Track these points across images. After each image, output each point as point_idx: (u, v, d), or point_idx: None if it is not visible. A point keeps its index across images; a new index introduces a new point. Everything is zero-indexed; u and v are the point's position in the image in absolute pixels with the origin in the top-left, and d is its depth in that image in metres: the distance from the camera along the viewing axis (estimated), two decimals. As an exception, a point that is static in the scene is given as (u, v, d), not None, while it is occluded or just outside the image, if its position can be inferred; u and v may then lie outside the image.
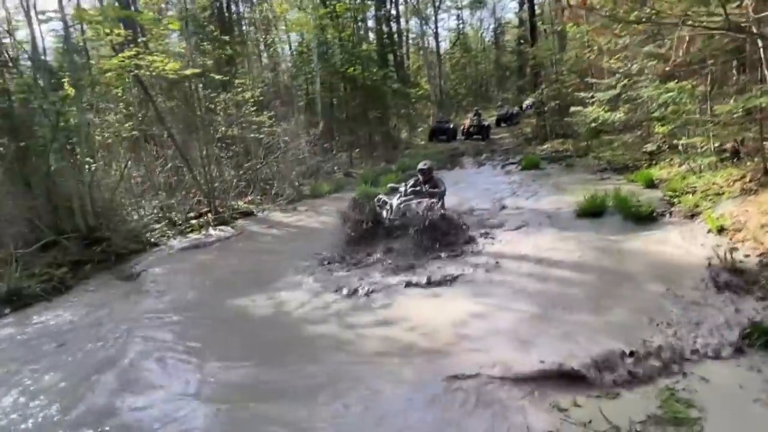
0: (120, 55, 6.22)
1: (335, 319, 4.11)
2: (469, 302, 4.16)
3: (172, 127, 9.53)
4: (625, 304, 3.89)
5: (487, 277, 4.73)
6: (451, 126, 22.53)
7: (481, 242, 5.86)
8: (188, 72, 7.15)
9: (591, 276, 4.48)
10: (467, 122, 22.21)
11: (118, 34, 6.95)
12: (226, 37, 11.74)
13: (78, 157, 7.06)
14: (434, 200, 6.45)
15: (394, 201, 6.54)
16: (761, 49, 3.97)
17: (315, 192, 10.97)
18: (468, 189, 10.40)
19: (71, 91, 6.51)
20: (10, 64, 6.71)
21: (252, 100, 11.00)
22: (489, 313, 3.91)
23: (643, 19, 3.25)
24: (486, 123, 22.30)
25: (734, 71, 7.14)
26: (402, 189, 6.84)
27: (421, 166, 7.10)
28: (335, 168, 13.91)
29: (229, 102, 10.56)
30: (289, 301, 4.65)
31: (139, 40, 7.51)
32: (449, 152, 17.96)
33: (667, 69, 6.07)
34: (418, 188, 6.76)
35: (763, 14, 3.81)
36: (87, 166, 7.46)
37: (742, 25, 4.26)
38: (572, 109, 10.84)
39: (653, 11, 3.74)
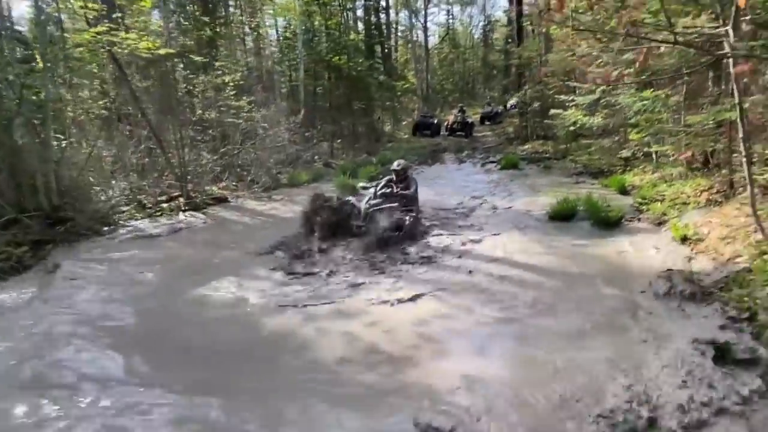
0: (92, 29, 6.06)
1: (293, 319, 4.08)
2: (432, 303, 4.19)
3: (147, 107, 9.35)
4: (583, 309, 3.97)
5: (454, 277, 4.77)
6: (436, 121, 22.58)
7: (451, 242, 5.88)
8: (162, 51, 7.00)
9: (554, 281, 4.55)
10: (451, 118, 22.29)
11: (92, 8, 6.77)
12: (206, 18, 11.53)
13: (44, 133, 6.88)
14: (405, 217, 6.18)
15: (362, 204, 6.36)
16: (731, 65, 4.07)
17: (292, 181, 10.87)
18: (446, 185, 10.47)
19: (41, 64, 6.33)
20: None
21: (232, 84, 10.85)
22: (452, 314, 3.95)
23: (614, 32, 3.31)
24: (470, 120, 22.40)
25: (710, 83, 7.30)
26: (372, 190, 6.68)
27: (394, 166, 6.99)
28: (315, 157, 13.81)
29: (207, 85, 10.40)
30: (238, 302, 4.54)
31: (114, 15, 7.33)
32: (431, 147, 18.04)
33: (643, 77, 6.17)
34: (389, 190, 6.62)
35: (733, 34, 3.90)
36: (56, 143, 7.29)
37: (715, 40, 4.37)
38: (552, 111, 10.96)
39: (628, 21, 3.80)
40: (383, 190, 6.67)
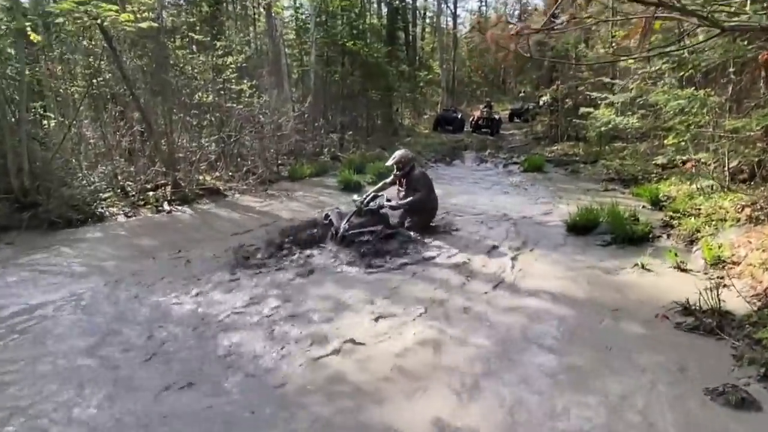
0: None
1: (252, 337, 3.82)
2: (419, 327, 3.88)
3: (140, 87, 9.25)
4: (592, 345, 3.62)
5: (448, 298, 4.45)
6: (459, 116, 22.33)
7: (449, 255, 5.55)
8: (144, 25, 6.83)
9: (563, 308, 4.19)
10: (477, 114, 22.00)
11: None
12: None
13: (19, 109, 6.78)
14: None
15: (342, 223, 5.78)
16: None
17: (294, 174, 10.78)
18: (461, 186, 10.24)
19: (12, 37, 6.22)
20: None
21: (234, 65, 10.69)
22: (440, 343, 3.63)
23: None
24: (497, 116, 22.08)
25: (762, 83, 6.81)
26: (358, 200, 6.13)
27: (390, 161, 6.43)
28: (323, 149, 13.67)
29: (207, 65, 10.26)
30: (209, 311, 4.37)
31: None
32: (452, 144, 17.82)
33: (682, 74, 5.73)
34: (377, 203, 6.05)
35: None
36: (34, 120, 7.22)
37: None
38: (583, 109, 10.55)
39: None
40: (370, 204, 6.06)
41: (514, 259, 5.46)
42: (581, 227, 6.31)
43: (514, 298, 4.45)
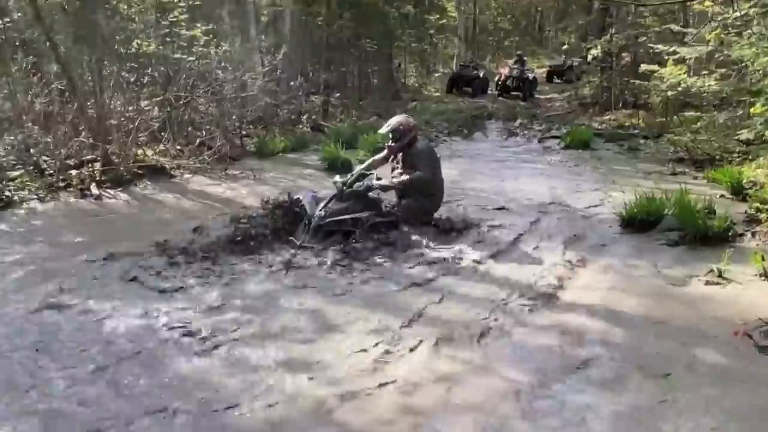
0: None
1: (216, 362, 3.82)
2: (427, 351, 3.86)
3: (59, 31, 9.20)
4: (653, 377, 3.62)
5: (465, 313, 4.43)
6: (481, 75, 22.41)
7: (468, 255, 5.55)
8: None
9: (617, 328, 4.19)
10: (505, 72, 22.06)
11: None
12: None
13: None
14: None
15: (317, 210, 5.81)
16: None
17: (262, 149, 10.83)
18: (483, 166, 10.33)
19: None
20: None
21: (184, 4, 10.65)
22: (455, 373, 3.63)
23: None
24: (531, 75, 22.17)
25: None
26: (340, 182, 6.09)
27: (385, 128, 6.43)
28: (301, 117, 13.68)
29: (148, 3, 10.23)
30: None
31: None
32: (472, 111, 17.97)
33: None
34: (365, 184, 6.04)
35: None
36: None
37: None
38: (644, 67, 10.56)
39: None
40: (357, 186, 6.02)
41: (551, 263, 5.44)
42: (640, 222, 6.30)
43: (551, 314, 4.44)
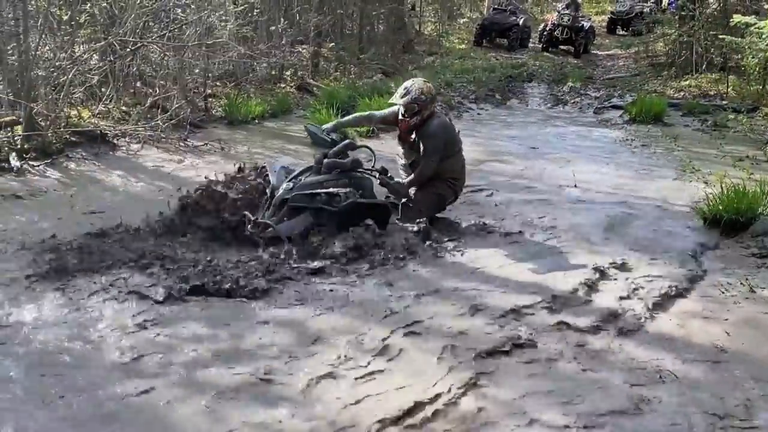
0: None
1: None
2: (443, 379, 3.81)
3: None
4: None
5: (493, 334, 4.41)
6: (520, 21, 22.33)
7: (496, 259, 5.63)
8: None
9: (694, 366, 4.14)
10: (552, 18, 21.94)
11: None
12: None
13: None
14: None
15: (284, 182, 5.83)
16: None
17: (233, 113, 10.87)
18: (519, 144, 10.52)
19: None
20: None
21: None
22: (481, 415, 3.62)
23: None
24: (587, 24, 22.06)
25: None
26: (320, 132, 6.20)
27: (399, 97, 6.24)
28: (283, 72, 13.67)
29: None
30: None
31: None
32: (507, 71, 17.83)
33: None
34: (355, 152, 6.14)
35: None
36: None
37: None
38: (737, 18, 10.50)
39: None
40: (336, 151, 6.07)
41: (609, 274, 5.45)
42: (728, 223, 6.30)
43: (610, 342, 4.41)
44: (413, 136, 6.41)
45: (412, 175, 6.38)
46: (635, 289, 5.25)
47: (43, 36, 9.32)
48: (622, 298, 5.09)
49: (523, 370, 4.08)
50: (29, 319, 4.37)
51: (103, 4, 10.30)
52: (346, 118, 6.67)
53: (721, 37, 12.94)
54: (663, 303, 5.03)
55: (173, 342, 4.17)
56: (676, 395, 3.89)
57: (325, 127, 6.45)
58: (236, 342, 4.20)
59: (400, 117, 6.40)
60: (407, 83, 6.36)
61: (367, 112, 6.81)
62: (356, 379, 3.83)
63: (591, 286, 5.26)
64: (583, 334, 4.52)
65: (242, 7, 12.44)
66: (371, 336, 4.33)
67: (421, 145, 6.32)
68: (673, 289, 5.27)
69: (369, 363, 4.00)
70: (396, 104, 6.33)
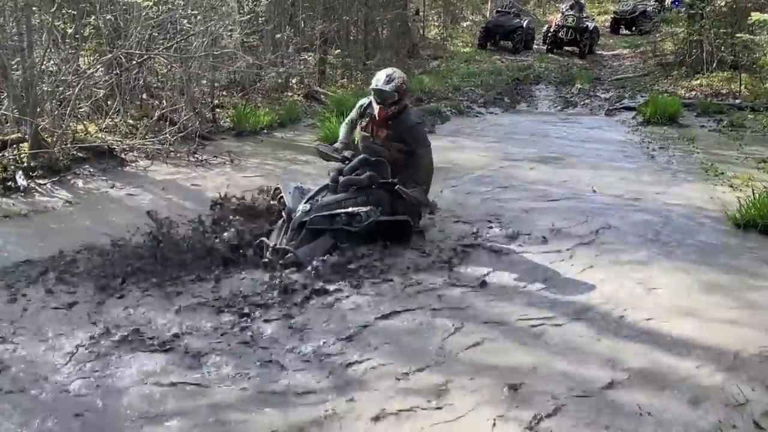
0: None
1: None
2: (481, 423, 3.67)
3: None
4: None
5: (518, 359, 4.27)
6: (524, 24, 22.38)
7: (522, 275, 5.51)
8: None
9: (732, 376, 4.06)
10: (556, 20, 21.95)
11: None
12: None
13: None
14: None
15: (301, 204, 5.78)
16: None
17: (241, 123, 10.87)
18: (529, 147, 10.51)
19: None
20: None
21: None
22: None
23: None
24: (591, 24, 22.03)
25: None
26: (334, 153, 6.19)
27: (382, 82, 6.09)
28: (290, 81, 13.63)
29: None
30: None
31: None
32: (514, 73, 17.85)
33: None
34: (356, 169, 6.02)
35: None
36: None
37: None
38: (756, 16, 10.41)
39: None
40: (352, 167, 6.02)
41: (637, 277, 5.49)
42: (762, 225, 6.39)
43: (643, 349, 4.35)
44: (385, 129, 6.33)
45: (419, 176, 6.29)
46: (652, 290, 5.30)
47: (48, 50, 9.23)
48: (638, 298, 5.12)
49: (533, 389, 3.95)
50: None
51: (107, 17, 10.25)
52: (341, 135, 6.62)
53: (737, 36, 12.90)
54: (681, 294, 5.22)
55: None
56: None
57: (335, 146, 6.45)
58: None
59: (375, 107, 6.27)
60: (387, 70, 6.34)
61: (346, 121, 6.70)
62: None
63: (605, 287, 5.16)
64: (588, 348, 4.41)
65: (248, 16, 12.42)
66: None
67: (404, 137, 6.28)
68: (700, 289, 5.38)
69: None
70: (377, 88, 6.17)
